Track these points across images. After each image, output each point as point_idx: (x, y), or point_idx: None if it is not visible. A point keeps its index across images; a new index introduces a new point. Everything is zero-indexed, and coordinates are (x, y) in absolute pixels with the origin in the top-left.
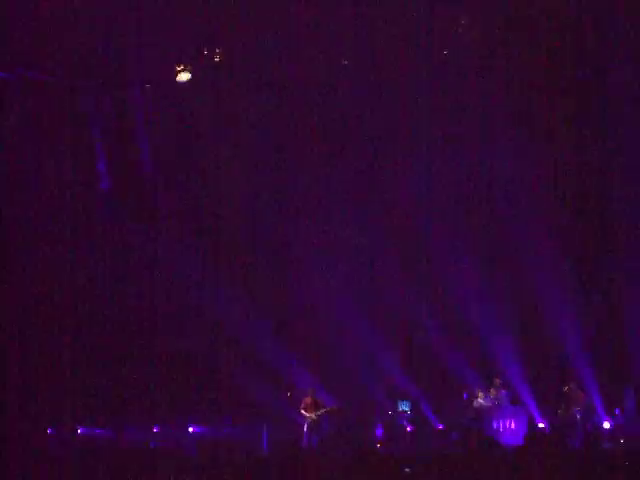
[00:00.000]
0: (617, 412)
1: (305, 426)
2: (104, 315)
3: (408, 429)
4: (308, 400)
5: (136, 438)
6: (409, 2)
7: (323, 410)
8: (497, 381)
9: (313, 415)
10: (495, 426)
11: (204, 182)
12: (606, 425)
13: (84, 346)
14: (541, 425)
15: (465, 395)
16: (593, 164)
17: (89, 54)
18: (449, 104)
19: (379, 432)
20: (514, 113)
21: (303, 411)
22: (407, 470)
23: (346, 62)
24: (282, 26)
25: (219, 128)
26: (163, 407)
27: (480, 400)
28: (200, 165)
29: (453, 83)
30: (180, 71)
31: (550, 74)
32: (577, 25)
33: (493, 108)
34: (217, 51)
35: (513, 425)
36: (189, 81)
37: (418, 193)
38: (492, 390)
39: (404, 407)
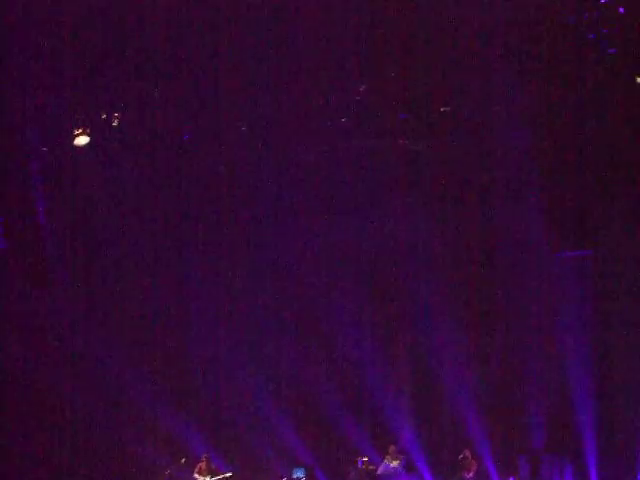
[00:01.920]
0: None
1: None
2: None
3: None
4: (202, 465)
5: None
6: None
7: (217, 476)
8: (392, 448)
9: None
10: None
11: (102, 248)
12: None
13: None
14: None
15: (360, 462)
16: None
17: None
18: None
19: None
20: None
21: (197, 476)
22: None
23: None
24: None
25: (117, 193)
26: (56, 474)
27: (377, 467)
28: (98, 231)
29: None
30: (78, 134)
31: None
32: None
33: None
34: (115, 115)
35: None
36: (87, 145)
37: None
38: (388, 457)
39: (299, 474)
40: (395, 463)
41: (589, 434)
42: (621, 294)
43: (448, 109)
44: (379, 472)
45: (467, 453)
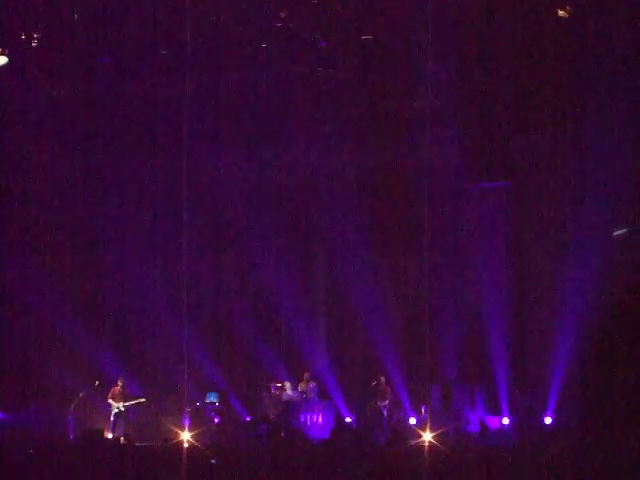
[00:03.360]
0: (423, 409)
1: (112, 415)
2: None
3: (216, 420)
4: (116, 390)
5: None
6: None
7: (131, 401)
8: (306, 375)
9: (121, 405)
10: (303, 419)
11: (16, 170)
12: (412, 421)
13: None
14: (348, 420)
15: (274, 388)
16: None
17: None
18: None
19: (186, 422)
20: None
21: (111, 400)
22: (213, 462)
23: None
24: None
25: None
26: None
27: (289, 393)
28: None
29: None
30: None
31: None
32: None
33: None
34: (35, 36)
35: (320, 419)
36: (6, 65)
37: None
38: (301, 384)
39: (212, 399)
40: (308, 389)
41: (501, 364)
42: (538, 225)
43: (369, 37)
44: (292, 398)
45: (382, 380)
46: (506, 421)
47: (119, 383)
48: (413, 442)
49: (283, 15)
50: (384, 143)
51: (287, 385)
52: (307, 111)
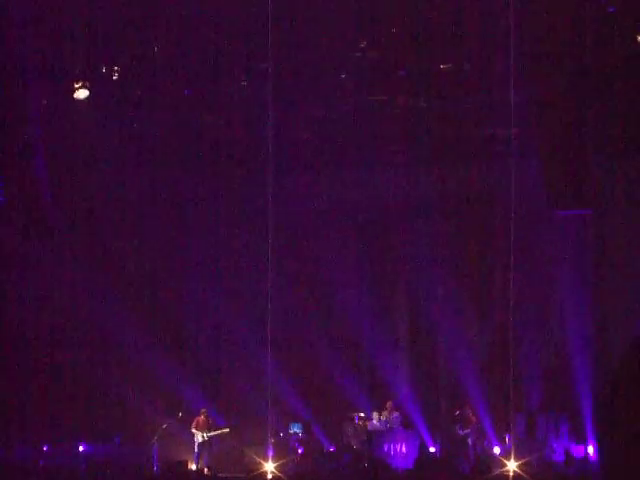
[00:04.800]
0: (507, 438)
1: (196, 446)
2: None
3: (299, 451)
4: (200, 420)
5: (25, 457)
6: None
7: (215, 431)
8: (389, 404)
9: (204, 435)
10: (386, 449)
11: (99, 200)
12: (496, 450)
13: None
14: (432, 449)
15: (357, 418)
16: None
17: None
18: None
19: (270, 453)
20: None
21: (194, 430)
22: None
23: (244, 83)
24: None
25: (116, 146)
26: (53, 425)
27: (373, 422)
28: (95, 182)
29: None
30: (78, 88)
31: None
32: None
33: None
34: (115, 68)
35: (404, 448)
36: (87, 98)
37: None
38: (384, 413)
39: (295, 429)
40: (392, 419)
41: (585, 392)
42: (620, 253)
43: (449, 65)
44: (375, 427)
45: (467, 409)
46: (591, 450)
47: (202, 413)
48: (497, 471)
49: (362, 45)
50: (466, 170)
51: (373, 415)
52: (388, 139)
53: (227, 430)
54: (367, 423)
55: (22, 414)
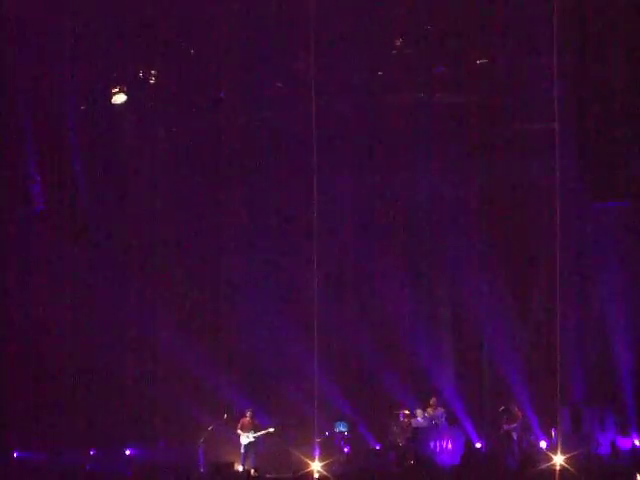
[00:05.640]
0: (554, 432)
1: (242, 447)
2: (38, 335)
3: (345, 450)
4: (245, 421)
5: (72, 461)
6: None
7: (260, 432)
8: (434, 400)
9: (250, 436)
10: (432, 446)
11: (138, 206)
12: (543, 444)
13: (14, 366)
14: (478, 445)
15: (402, 415)
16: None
17: (24, 71)
18: None
19: (316, 453)
20: None
21: (240, 431)
22: None
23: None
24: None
25: (153, 150)
26: (100, 430)
27: (418, 419)
28: (134, 188)
29: None
30: (116, 93)
31: None
32: None
33: None
34: (152, 72)
35: (450, 445)
36: (124, 103)
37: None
38: (429, 410)
39: (341, 428)
40: (437, 415)
41: (630, 384)
42: None
43: (484, 61)
44: (420, 424)
45: (512, 404)
46: (638, 442)
47: (248, 414)
48: (544, 466)
49: (398, 43)
50: (505, 166)
51: (418, 412)
52: (426, 136)
53: (273, 430)
54: (412, 420)
55: (70, 418)
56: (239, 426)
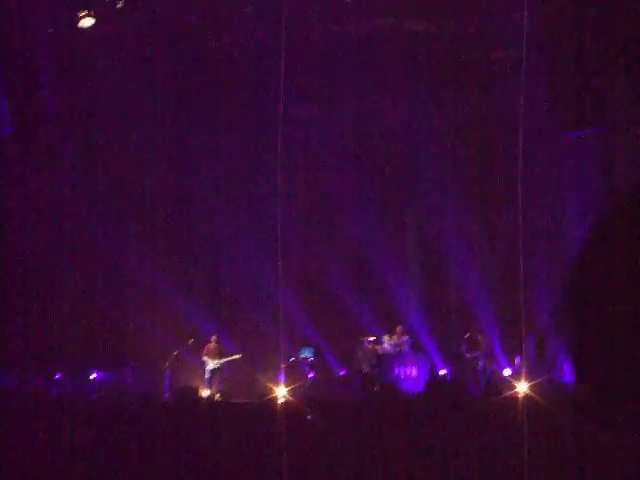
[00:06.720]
0: (517, 360)
1: (207, 373)
2: (2, 258)
3: (310, 375)
4: (211, 346)
5: (37, 385)
6: None
7: (226, 358)
8: (399, 328)
9: (216, 362)
10: (397, 373)
11: (107, 130)
12: (506, 372)
13: None
14: (442, 372)
15: (367, 342)
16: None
17: None
18: None
19: (281, 378)
20: None
21: (205, 357)
22: (309, 417)
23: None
24: None
25: (123, 74)
26: (65, 354)
27: (384, 346)
28: (103, 111)
29: None
30: (83, 16)
31: None
32: None
33: None
34: None
35: (414, 372)
36: (92, 27)
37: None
38: (394, 337)
39: (307, 354)
40: (402, 343)
41: None
42: (631, 171)
43: None
44: (386, 351)
45: (475, 332)
46: None
47: (213, 340)
48: (508, 393)
49: None
50: (473, 95)
51: (384, 339)
52: (395, 65)
53: (238, 356)
54: (377, 347)
55: (35, 343)
56: (204, 352)
